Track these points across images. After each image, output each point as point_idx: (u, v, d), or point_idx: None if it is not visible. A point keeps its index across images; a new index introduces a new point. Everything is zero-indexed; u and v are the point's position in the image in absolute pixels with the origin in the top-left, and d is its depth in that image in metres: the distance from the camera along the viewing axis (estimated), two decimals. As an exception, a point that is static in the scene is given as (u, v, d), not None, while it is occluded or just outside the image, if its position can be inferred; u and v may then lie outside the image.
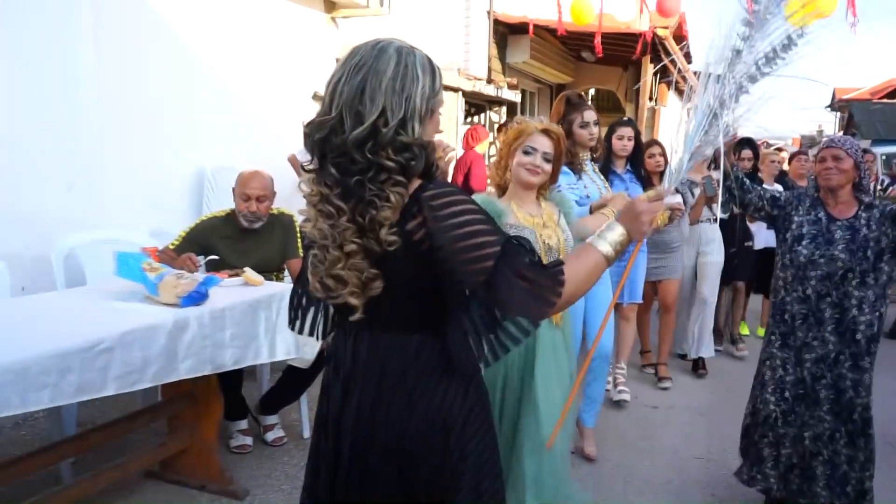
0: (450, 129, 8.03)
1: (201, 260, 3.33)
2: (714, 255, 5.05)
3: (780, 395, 2.89)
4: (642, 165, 4.41)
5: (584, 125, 3.40)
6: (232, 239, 3.45)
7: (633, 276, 4.28)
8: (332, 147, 1.37)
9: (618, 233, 1.53)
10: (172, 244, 3.39)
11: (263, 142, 5.24)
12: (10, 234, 3.52)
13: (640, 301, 4.46)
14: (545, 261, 1.64)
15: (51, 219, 3.76)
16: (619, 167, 4.25)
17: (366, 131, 1.33)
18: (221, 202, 4.59)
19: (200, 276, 2.78)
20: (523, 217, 2.54)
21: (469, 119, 9.27)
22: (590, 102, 3.81)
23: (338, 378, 1.55)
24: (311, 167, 1.43)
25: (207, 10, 4.81)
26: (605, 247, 1.49)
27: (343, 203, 1.36)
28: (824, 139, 2.97)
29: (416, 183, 1.39)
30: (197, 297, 2.60)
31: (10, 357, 1.94)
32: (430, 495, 1.49)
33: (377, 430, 1.48)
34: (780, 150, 6.72)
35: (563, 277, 1.36)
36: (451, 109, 8.04)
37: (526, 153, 2.54)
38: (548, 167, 2.57)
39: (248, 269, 3.09)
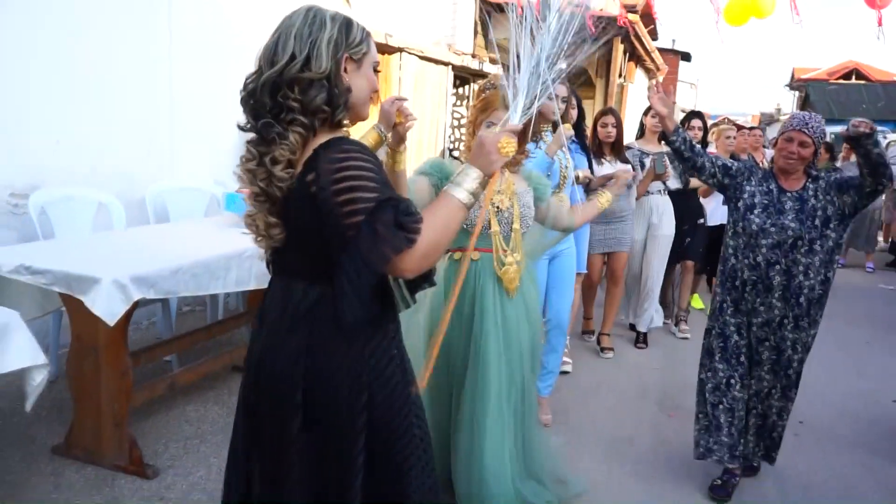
0: (439, 100, 8.85)
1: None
2: (664, 227, 4.89)
3: (736, 359, 2.92)
4: (585, 135, 4.17)
5: (551, 98, 3.41)
6: None
7: (577, 248, 4.03)
8: (251, 96, 1.44)
9: (470, 176, 1.48)
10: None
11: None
12: (111, 184, 4.35)
13: (584, 271, 4.31)
14: (494, 223, 2.08)
15: (138, 172, 4.61)
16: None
17: (275, 73, 1.40)
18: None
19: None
20: None
21: (456, 90, 10.10)
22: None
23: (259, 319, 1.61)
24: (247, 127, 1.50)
25: (254, 8, 5.62)
26: (460, 192, 1.46)
27: (254, 148, 1.44)
28: (794, 117, 2.83)
29: (325, 138, 1.42)
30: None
31: (200, 256, 2.82)
32: (332, 462, 1.49)
33: (265, 376, 1.52)
34: (739, 126, 6.40)
35: (415, 233, 1.35)
36: (441, 81, 8.85)
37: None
38: None
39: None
